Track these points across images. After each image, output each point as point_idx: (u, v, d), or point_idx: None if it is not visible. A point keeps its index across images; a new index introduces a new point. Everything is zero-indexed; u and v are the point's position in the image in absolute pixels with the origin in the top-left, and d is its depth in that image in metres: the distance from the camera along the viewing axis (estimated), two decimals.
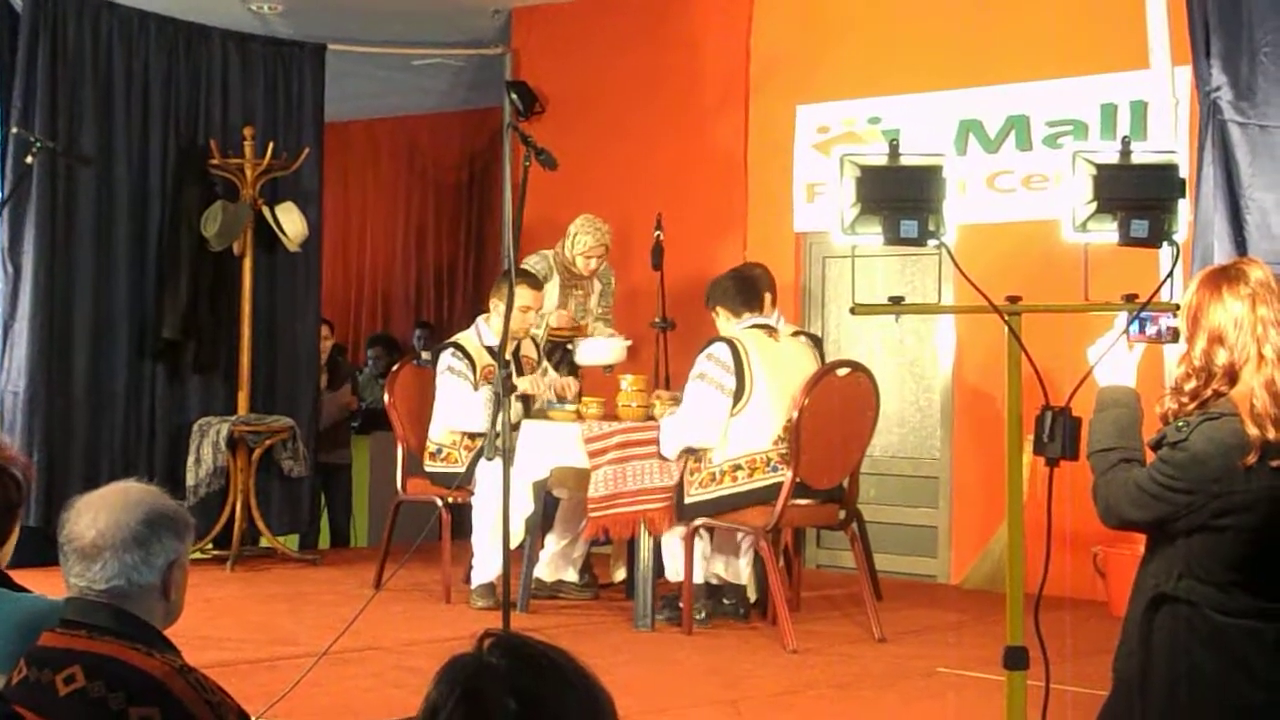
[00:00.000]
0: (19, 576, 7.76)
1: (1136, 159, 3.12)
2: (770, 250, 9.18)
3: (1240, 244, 4.57)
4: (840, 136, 9.39)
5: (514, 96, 10.82)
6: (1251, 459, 3.25)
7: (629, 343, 8.36)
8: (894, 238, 3.14)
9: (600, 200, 9.78)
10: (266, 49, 9.81)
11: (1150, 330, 3.39)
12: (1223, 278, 3.19)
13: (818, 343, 7.97)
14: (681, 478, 7.07)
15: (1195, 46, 4.75)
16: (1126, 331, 3.27)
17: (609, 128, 10.42)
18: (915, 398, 9.29)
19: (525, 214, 11.10)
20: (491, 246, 12.47)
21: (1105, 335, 3.58)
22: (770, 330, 7.16)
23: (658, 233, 8.49)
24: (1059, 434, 3.05)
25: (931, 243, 3.20)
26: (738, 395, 6.91)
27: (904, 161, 3.13)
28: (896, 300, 3.37)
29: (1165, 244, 3.18)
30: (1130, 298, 3.18)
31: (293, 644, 6.61)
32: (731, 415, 6.93)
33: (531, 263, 8.48)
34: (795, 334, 7.59)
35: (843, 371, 7.08)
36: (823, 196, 9.37)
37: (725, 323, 7.23)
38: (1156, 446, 3.33)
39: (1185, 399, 3.32)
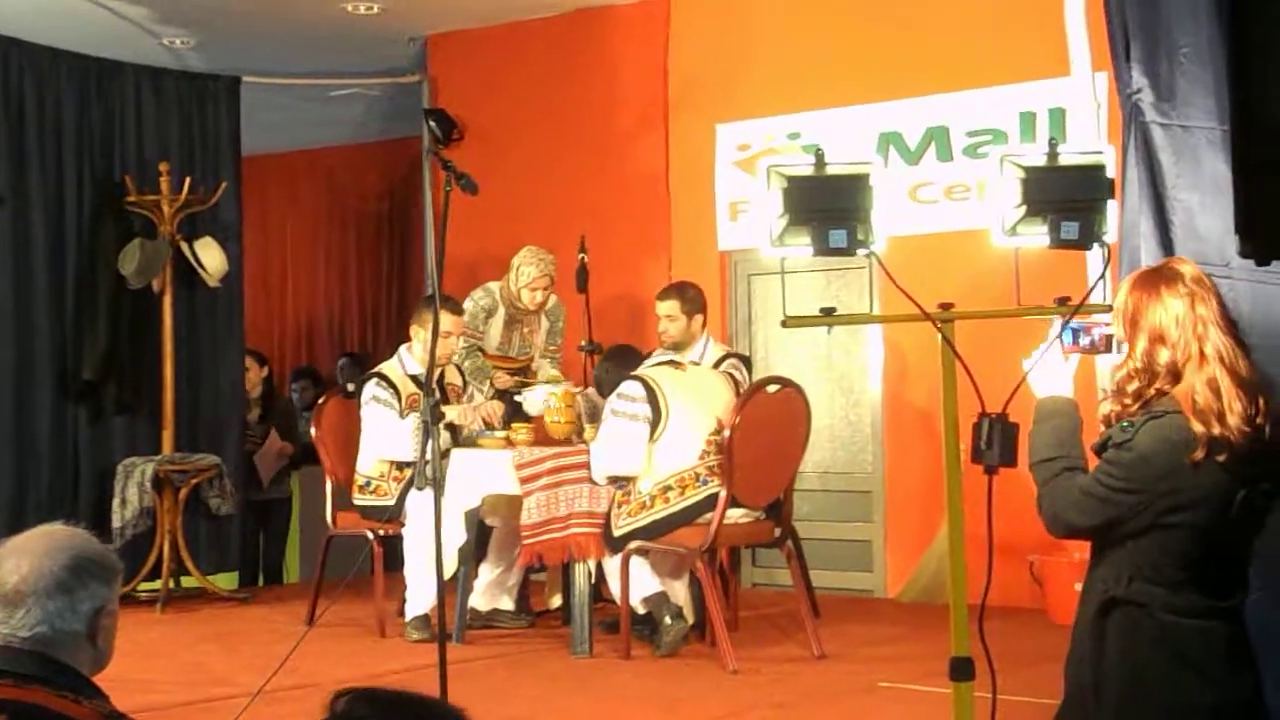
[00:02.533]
0: None
1: (1064, 161, 3.10)
2: (695, 269, 9.14)
3: (1167, 245, 4.55)
4: (761, 153, 9.36)
5: (432, 124, 10.75)
6: (1199, 455, 3.23)
7: (576, 389, 8.24)
8: (823, 248, 3.10)
9: (524, 225, 9.74)
10: (180, 83, 9.70)
11: (1084, 341, 3.36)
12: (1159, 277, 3.17)
13: (747, 363, 7.95)
14: (609, 510, 7.02)
15: (1115, 49, 4.73)
16: (1061, 340, 3.26)
17: (529, 152, 10.36)
18: (846, 412, 9.27)
19: (452, 246, 11.07)
20: (414, 276, 12.38)
21: (1040, 347, 3.57)
22: (675, 364, 7.23)
23: (581, 255, 8.44)
24: (996, 441, 3.01)
25: (861, 252, 3.16)
26: (655, 422, 6.91)
27: (830, 171, 3.09)
28: (828, 311, 3.32)
29: (1096, 245, 3.16)
30: (1063, 301, 3.15)
31: (227, 684, 6.50)
32: (653, 441, 6.91)
33: (476, 297, 8.38)
34: (724, 356, 7.60)
35: (773, 388, 7.06)
36: (746, 214, 9.35)
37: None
38: (1101, 450, 3.30)
39: (1128, 400, 3.28)
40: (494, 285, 8.43)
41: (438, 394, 7.78)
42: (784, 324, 3.41)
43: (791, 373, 8.70)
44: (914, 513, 8.78)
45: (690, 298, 7.64)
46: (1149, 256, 4.66)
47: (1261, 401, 3.23)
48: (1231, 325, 3.26)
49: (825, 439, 9.10)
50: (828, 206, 3.07)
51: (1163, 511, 3.27)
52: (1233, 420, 3.20)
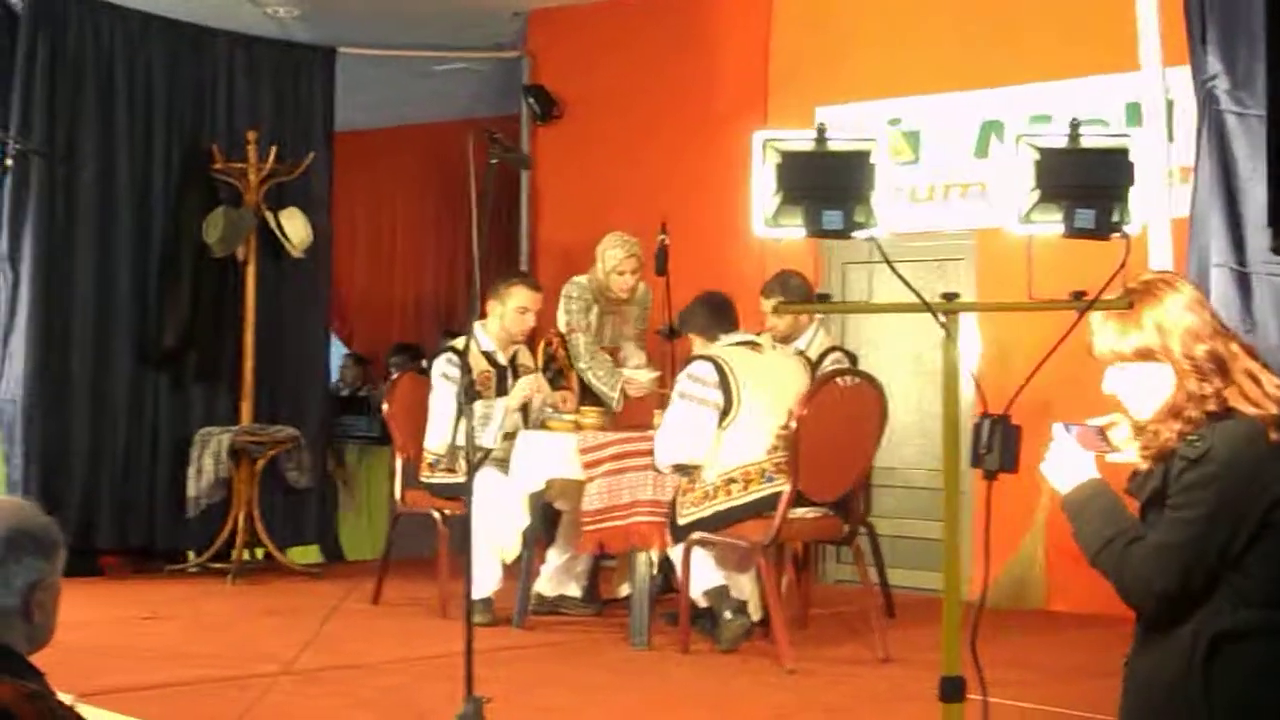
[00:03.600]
0: None
1: (1086, 143, 2.85)
2: (789, 257, 8.88)
3: (1238, 241, 4.28)
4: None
5: (531, 101, 10.61)
6: (1275, 436, 2.96)
7: (658, 374, 8.04)
8: (816, 229, 2.87)
9: (619, 206, 9.58)
10: (274, 52, 9.62)
11: (1096, 439, 3.13)
12: (1147, 287, 2.92)
13: (852, 359, 7.71)
14: (675, 498, 6.81)
15: (1191, 33, 4.45)
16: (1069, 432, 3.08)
17: (626, 132, 10.20)
18: (936, 408, 8.96)
19: (546, 229, 11.02)
20: (516, 254, 12.23)
21: (1052, 449, 3.24)
22: (753, 345, 6.87)
23: (662, 237, 8.22)
24: (997, 444, 2.78)
25: (859, 235, 2.93)
26: (726, 409, 6.63)
27: (831, 147, 2.86)
28: (823, 298, 3.10)
29: (1116, 235, 2.91)
30: (1078, 295, 2.90)
31: (272, 661, 6.38)
32: (721, 429, 6.65)
33: (571, 294, 8.10)
34: (830, 349, 7.41)
35: (846, 380, 6.79)
36: None
37: (703, 348, 6.95)
38: (1140, 489, 3.04)
39: (1192, 410, 2.99)
40: (583, 279, 8.21)
41: (495, 374, 7.64)
42: (775, 310, 3.19)
43: (885, 367, 8.48)
44: (1002, 513, 8.47)
45: (794, 287, 7.44)
46: (1219, 253, 4.39)
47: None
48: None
49: (915, 434, 8.83)
50: (823, 185, 2.85)
51: (1265, 512, 2.96)
52: None
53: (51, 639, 3.04)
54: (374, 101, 11.70)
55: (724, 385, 6.64)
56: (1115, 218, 2.86)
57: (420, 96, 12.42)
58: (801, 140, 2.88)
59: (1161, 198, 4.85)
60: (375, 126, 13.13)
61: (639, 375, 8.03)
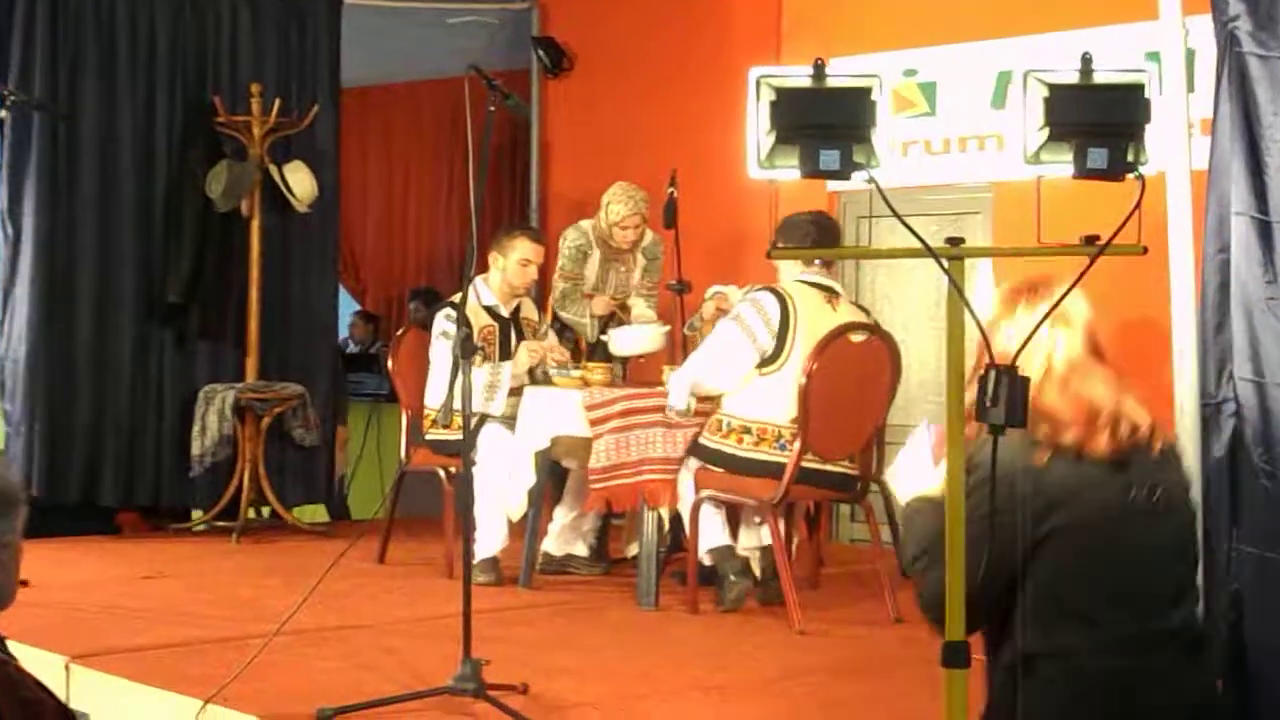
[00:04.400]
0: (29, 546, 7.54)
1: (1099, 79, 2.69)
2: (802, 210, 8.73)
3: (1259, 191, 4.10)
4: None
5: (540, 53, 10.46)
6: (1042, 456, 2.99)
7: (666, 328, 7.83)
8: (812, 170, 2.72)
9: (630, 159, 9.41)
10: (279, 2, 9.42)
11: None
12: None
13: (866, 314, 7.53)
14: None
15: None
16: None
17: (638, 84, 10.04)
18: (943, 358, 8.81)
19: (557, 181, 10.87)
20: (525, 207, 12.08)
21: (905, 448, 3.27)
22: (830, 295, 6.61)
23: (670, 189, 8.06)
24: (1003, 397, 2.63)
25: (858, 177, 2.78)
26: (773, 356, 6.43)
27: (829, 84, 2.71)
28: (819, 226, 2.94)
29: (1130, 176, 2.75)
30: (1090, 239, 2.75)
31: (273, 621, 6.26)
32: (761, 373, 6.47)
33: (570, 237, 8.05)
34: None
35: (857, 336, 6.61)
36: None
37: (787, 268, 6.64)
38: None
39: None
40: (586, 224, 8.09)
41: (493, 327, 7.50)
42: (769, 255, 3.05)
43: (900, 322, 8.34)
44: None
45: (795, 224, 6.77)
46: (1240, 202, 4.22)
47: None
48: None
49: (931, 391, 8.67)
50: (820, 123, 2.69)
51: (1036, 526, 3.01)
52: None
53: (13, 599, 2.90)
54: (384, 56, 11.54)
55: (781, 331, 6.42)
56: (1130, 157, 2.70)
57: (431, 50, 12.22)
58: (798, 76, 2.73)
59: (1181, 148, 4.67)
60: (386, 81, 12.98)
61: (636, 333, 7.77)
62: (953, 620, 2.81)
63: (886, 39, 8.91)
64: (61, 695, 5.24)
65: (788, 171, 2.77)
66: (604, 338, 7.90)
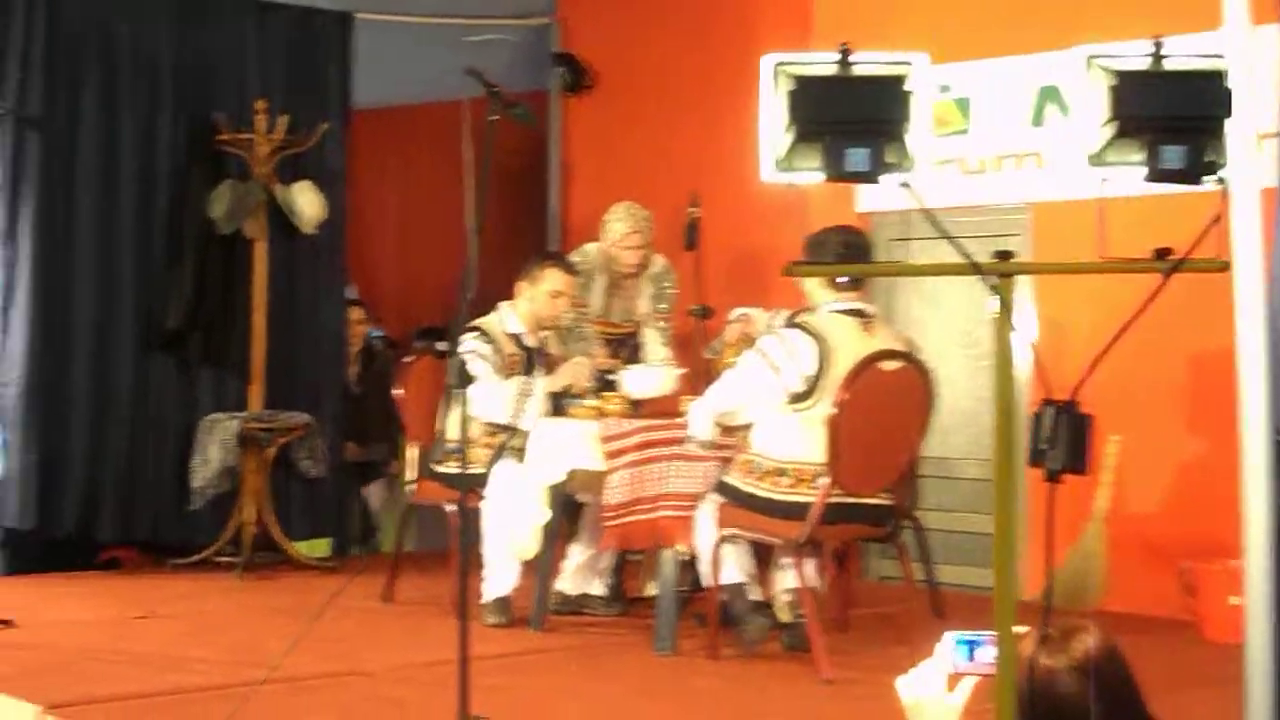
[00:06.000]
0: (18, 583, 7.17)
1: (1172, 65, 2.31)
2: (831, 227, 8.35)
3: None
4: None
5: (561, 70, 10.12)
6: None
7: (680, 370, 7.34)
8: (838, 172, 2.34)
9: (654, 179, 9.06)
10: (286, 17, 9.07)
11: (984, 658, 2.72)
12: None
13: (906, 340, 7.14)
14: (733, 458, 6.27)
15: None
16: (954, 659, 2.70)
17: (661, 102, 9.70)
18: (989, 393, 8.39)
19: (577, 203, 10.51)
20: (543, 230, 11.74)
21: (922, 664, 2.88)
22: (866, 320, 6.22)
23: (692, 209, 7.67)
24: (1063, 438, 2.24)
25: (889, 180, 2.40)
26: (806, 394, 6.03)
27: (857, 71, 2.33)
28: (849, 245, 2.56)
29: (1208, 180, 2.36)
30: (1162, 253, 2.36)
31: (266, 667, 5.89)
32: (795, 410, 6.07)
33: (574, 261, 7.65)
34: None
35: (889, 364, 6.20)
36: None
37: (817, 293, 6.24)
38: None
39: None
40: (591, 247, 7.72)
41: (523, 358, 7.16)
42: (786, 272, 2.67)
43: (933, 350, 7.95)
44: (1062, 505, 7.92)
45: (829, 245, 6.41)
46: None
47: None
48: None
49: (964, 422, 8.26)
50: (846, 117, 2.31)
51: None
52: None
53: None
54: (402, 76, 11.22)
55: (818, 372, 6.02)
56: (1209, 157, 2.31)
57: (449, 71, 11.89)
58: (821, 64, 2.34)
59: (1247, 160, 4.28)
60: (404, 102, 12.66)
61: (649, 375, 7.26)
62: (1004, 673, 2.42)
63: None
64: None
65: (808, 174, 2.38)
66: (611, 378, 7.46)
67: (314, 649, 6.11)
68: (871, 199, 8.58)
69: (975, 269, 2.28)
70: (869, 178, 2.33)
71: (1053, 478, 2.28)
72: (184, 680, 5.64)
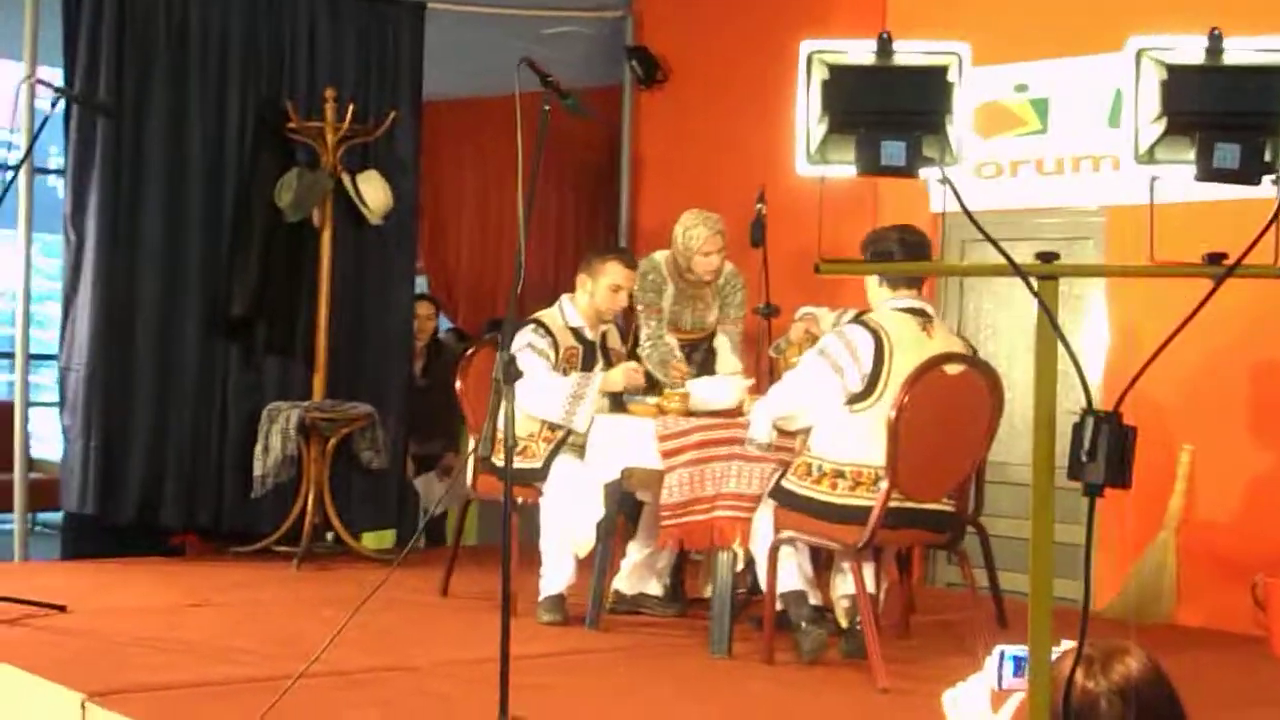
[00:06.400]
0: (77, 568, 7.15)
1: (1231, 59, 2.18)
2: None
3: None
4: (984, 106, 8.41)
5: (634, 63, 10.02)
6: None
7: (749, 381, 7.11)
8: (872, 165, 2.23)
9: (720, 172, 8.97)
10: (359, 6, 9.01)
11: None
12: None
13: (970, 349, 6.99)
14: (790, 462, 6.15)
15: None
16: (999, 673, 2.67)
17: (734, 96, 9.56)
18: (1060, 398, 8.22)
19: (643, 197, 10.43)
20: (615, 226, 11.63)
21: (971, 678, 2.81)
22: (925, 320, 6.08)
23: (759, 206, 7.55)
24: (1103, 451, 2.12)
25: (928, 175, 2.28)
26: (866, 393, 5.90)
27: (897, 60, 2.22)
28: (904, 244, 2.44)
29: (1269, 179, 2.23)
30: (1215, 258, 2.24)
31: (308, 660, 5.85)
32: (853, 410, 5.94)
33: (643, 271, 7.48)
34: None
35: (954, 368, 6.07)
36: (963, 173, 8.42)
37: (875, 289, 6.15)
38: None
39: None
40: (659, 256, 7.56)
41: (581, 351, 7.08)
42: (817, 269, 2.56)
43: (1004, 354, 7.82)
44: (1133, 515, 7.77)
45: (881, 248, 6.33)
46: None
47: None
48: None
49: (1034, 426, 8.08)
50: (883, 108, 2.20)
51: None
52: None
53: None
54: (478, 68, 11.15)
55: (875, 369, 5.89)
56: (1268, 156, 2.18)
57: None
58: (859, 52, 2.23)
59: None
60: (481, 94, 12.60)
61: (719, 385, 7.00)
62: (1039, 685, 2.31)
63: (997, 52, 8.37)
64: None
65: (841, 168, 2.27)
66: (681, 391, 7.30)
67: (364, 642, 6.06)
68: (944, 200, 8.42)
69: (1016, 270, 2.16)
70: (905, 172, 2.22)
71: (1091, 493, 2.15)
72: (229, 671, 5.59)
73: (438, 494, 9.31)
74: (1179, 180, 2.44)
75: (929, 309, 6.18)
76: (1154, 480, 7.57)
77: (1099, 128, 7.96)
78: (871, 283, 6.15)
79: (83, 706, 5.02)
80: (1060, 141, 8.17)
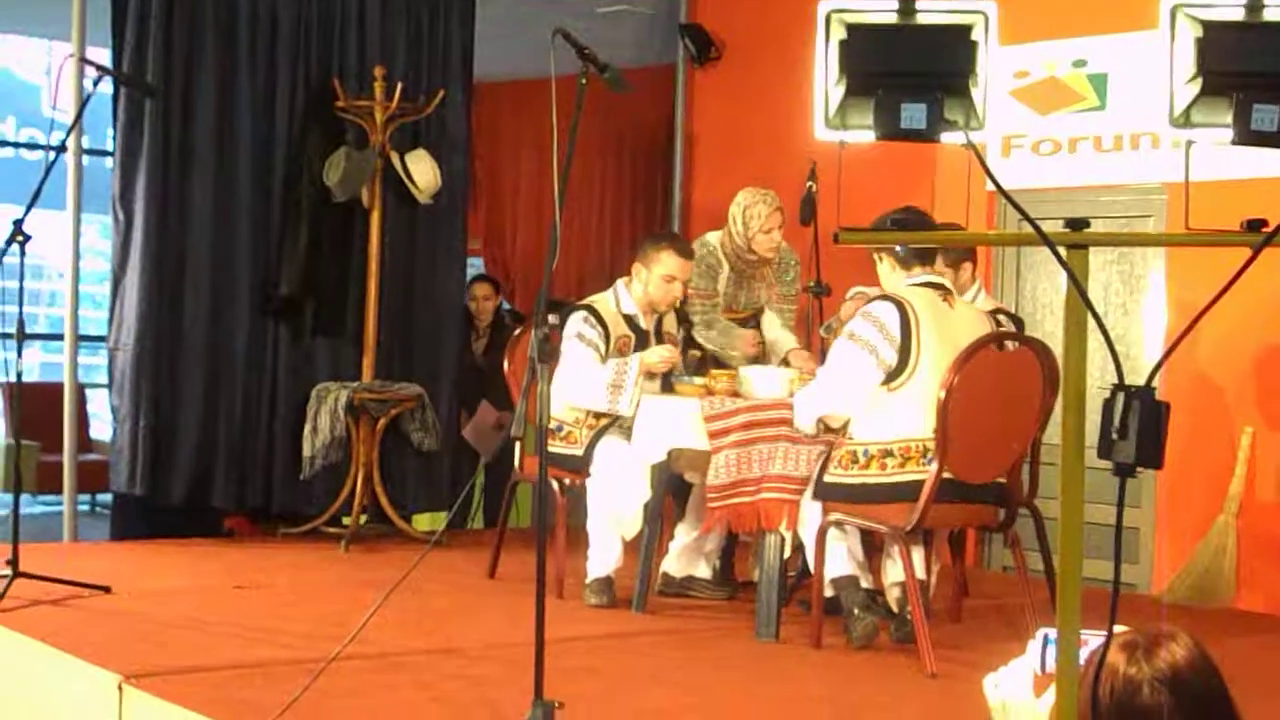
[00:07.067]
0: (125, 548, 7.11)
1: (1270, 16, 2.07)
2: (960, 210, 8.07)
3: None
4: (1041, 82, 8.28)
5: (687, 41, 9.91)
6: None
7: (793, 373, 7.07)
8: (891, 130, 2.12)
9: (773, 150, 8.85)
10: None
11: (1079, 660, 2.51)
12: None
13: (1018, 323, 6.85)
14: (829, 453, 6.05)
15: None
16: (1043, 659, 2.56)
17: (788, 76, 9.40)
18: (1109, 374, 8.07)
19: (697, 175, 10.33)
20: (668, 207, 11.52)
21: (1012, 663, 2.71)
22: (945, 292, 6.00)
23: (810, 184, 7.42)
24: (1134, 428, 2.02)
25: (949, 138, 2.18)
26: (899, 368, 5.81)
27: (920, 19, 2.12)
28: (902, 225, 2.35)
29: None
30: (1255, 225, 2.13)
31: (357, 642, 5.78)
32: (890, 389, 5.83)
33: (699, 254, 7.36)
34: (993, 311, 6.46)
35: (1008, 345, 5.96)
36: (1021, 150, 8.28)
37: (889, 274, 6.06)
38: None
39: None
40: (712, 237, 7.40)
41: (634, 339, 6.98)
42: (836, 239, 2.46)
43: (1057, 333, 7.66)
44: (1193, 498, 7.62)
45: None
46: None
47: None
48: None
49: (1091, 408, 7.92)
50: (904, 69, 2.10)
51: None
52: None
53: None
54: (533, 48, 11.05)
55: (904, 339, 5.80)
56: None
57: (593, 44, 11.69)
58: (879, 11, 2.13)
59: None
60: (536, 75, 12.49)
61: (772, 377, 6.73)
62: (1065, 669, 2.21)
63: (1054, 27, 8.24)
64: None
65: (860, 133, 2.17)
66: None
67: (408, 624, 6.02)
68: (1001, 178, 8.29)
69: (1043, 239, 2.06)
70: (926, 136, 2.11)
71: (1122, 473, 2.04)
72: (268, 653, 5.53)
73: (490, 438, 9.22)
74: (1244, 153, 2.33)
75: (945, 282, 6.09)
76: (1215, 463, 7.43)
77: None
78: (884, 269, 6.06)
79: (119, 688, 4.98)
80: (1119, 118, 8.02)
